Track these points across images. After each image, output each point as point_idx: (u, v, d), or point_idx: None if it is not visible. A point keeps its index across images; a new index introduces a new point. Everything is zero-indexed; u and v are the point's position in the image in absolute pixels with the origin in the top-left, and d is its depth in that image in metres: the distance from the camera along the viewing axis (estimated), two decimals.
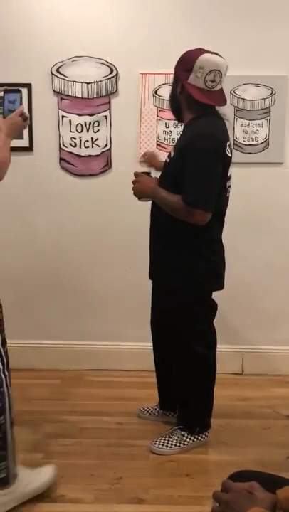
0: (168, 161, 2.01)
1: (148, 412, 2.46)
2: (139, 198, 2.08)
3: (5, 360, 1.73)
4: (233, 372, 2.95)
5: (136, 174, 2.08)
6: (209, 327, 2.19)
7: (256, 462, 2.01)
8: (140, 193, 2.04)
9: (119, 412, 2.52)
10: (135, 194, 2.07)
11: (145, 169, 2.09)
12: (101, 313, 2.98)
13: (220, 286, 2.12)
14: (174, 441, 2.19)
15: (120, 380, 2.87)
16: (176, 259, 2.00)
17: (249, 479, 1.03)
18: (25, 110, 1.86)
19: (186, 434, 2.20)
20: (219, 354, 2.25)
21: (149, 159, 2.50)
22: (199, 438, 2.22)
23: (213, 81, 1.88)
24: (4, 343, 1.75)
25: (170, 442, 2.19)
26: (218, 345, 2.24)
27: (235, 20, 2.68)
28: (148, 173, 2.10)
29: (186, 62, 1.88)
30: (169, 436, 2.21)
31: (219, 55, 1.92)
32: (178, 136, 2.71)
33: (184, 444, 2.19)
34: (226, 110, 2.06)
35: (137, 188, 2.05)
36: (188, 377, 2.19)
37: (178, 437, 2.20)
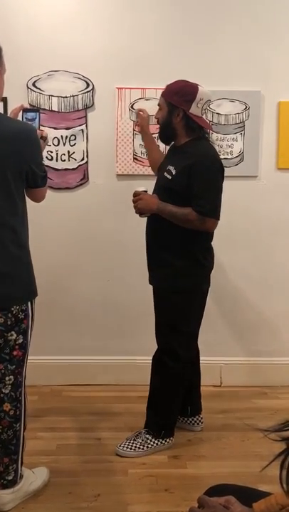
0: (169, 177, 2.14)
1: None
2: (140, 214, 2.22)
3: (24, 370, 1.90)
4: (212, 384, 2.95)
5: (137, 193, 2.22)
6: (193, 330, 2.30)
7: (234, 475, 2.01)
8: (146, 209, 2.19)
9: (97, 427, 2.49)
10: (139, 210, 2.21)
11: (142, 188, 2.22)
12: (78, 327, 2.95)
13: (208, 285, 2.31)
14: (138, 443, 2.25)
15: (98, 394, 2.84)
16: (175, 264, 2.16)
17: (226, 493, 1.03)
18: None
19: (150, 438, 2.25)
20: None
21: (142, 122, 2.51)
22: (163, 442, 2.27)
23: (205, 109, 2.19)
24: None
25: (134, 445, 2.25)
26: None
27: (209, 36, 2.73)
28: (145, 191, 2.22)
29: (187, 94, 2.11)
30: (134, 439, 2.27)
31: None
32: None
33: (147, 447, 2.25)
34: None
35: (141, 205, 2.19)
36: (157, 381, 2.27)
37: (142, 440, 2.25)
